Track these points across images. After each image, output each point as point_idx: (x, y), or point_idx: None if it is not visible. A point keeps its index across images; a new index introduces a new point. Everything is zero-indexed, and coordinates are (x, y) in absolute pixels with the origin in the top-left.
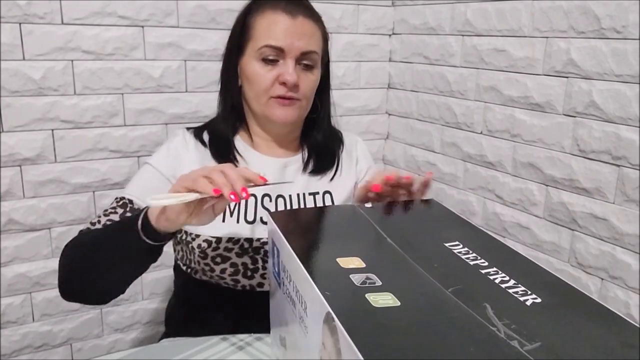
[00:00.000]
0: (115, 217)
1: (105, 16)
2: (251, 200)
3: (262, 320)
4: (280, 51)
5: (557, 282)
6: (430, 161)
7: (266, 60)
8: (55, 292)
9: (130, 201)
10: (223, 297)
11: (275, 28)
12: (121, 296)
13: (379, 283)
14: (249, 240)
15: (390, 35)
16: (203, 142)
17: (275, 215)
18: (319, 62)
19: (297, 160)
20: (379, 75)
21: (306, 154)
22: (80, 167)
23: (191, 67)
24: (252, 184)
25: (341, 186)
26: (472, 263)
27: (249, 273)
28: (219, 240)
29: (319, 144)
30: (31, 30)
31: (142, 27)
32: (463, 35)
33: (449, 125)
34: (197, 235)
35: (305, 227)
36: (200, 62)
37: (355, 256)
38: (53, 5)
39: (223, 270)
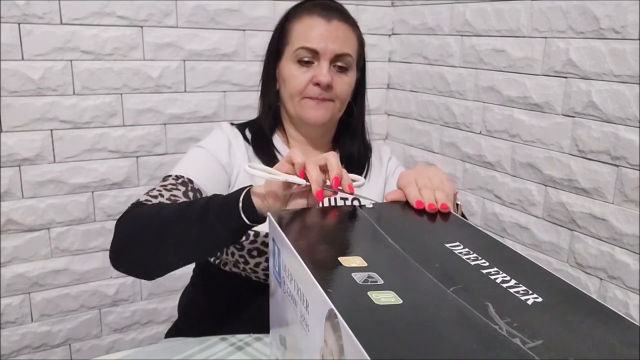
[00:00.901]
0: (178, 194)
1: (104, 16)
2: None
3: None
4: (315, 53)
5: (557, 281)
6: (429, 161)
7: (301, 62)
8: (54, 292)
9: (190, 181)
10: (251, 290)
11: (311, 31)
12: (120, 297)
13: (380, 282)
14: None
15: (389, 35)
16: (246, 139)
17: (276, 214)
18: (353, 65)
19: None
20: (379, 76)
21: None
22: (79, 167)
23: (190, 67)
24: (339, 190)
25: (369, 192)
26: (472, 263)
27: None
28: (257, 234)
29: (351, 152)
30: (30, 31)
31: (141, 27)
32: (462, 36)
33: (448, 125)
34: None
35: (307, 226)
36: (199, 62)
37: (357, 255)
38: (52, 6)
39: (257, 264)
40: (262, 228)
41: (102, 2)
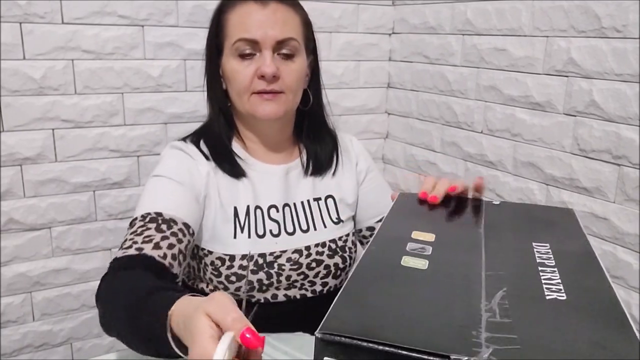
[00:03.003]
0: (151, 232)
1: (105, 16)
2: (259, 213)
3: (274, 329)
4: (254, 43)
5: (604, 293)
6: (430, 160)
7: (242, 55)
8: (55, 291)
9: (159, 213)
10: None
11: (247, 20)
12: None
13: (428, 253)
14: (262, 256)
15: (390, 34)
16: (205, 155)
17: (403, 195)
18: (300, 49)
19: (297, 165)
20: (379, 75)
21: (305, 157)
22: (80, 167)
23: (190, 66)
24: None
25: (342, 187)
26: (538, 261)
27: (264, 287)
28: (232, 258)
29: (315, 143)
30: (31, 30)
31: (142, 26)
32: (463, 35)
33: (449, 124)
34: (210, 252)
35: (421, 209)
36: (200, 61)
37: (433, 233)
38: (53, 5)
39: (238, 289)
40: (237, 251)
41: (103, 1)
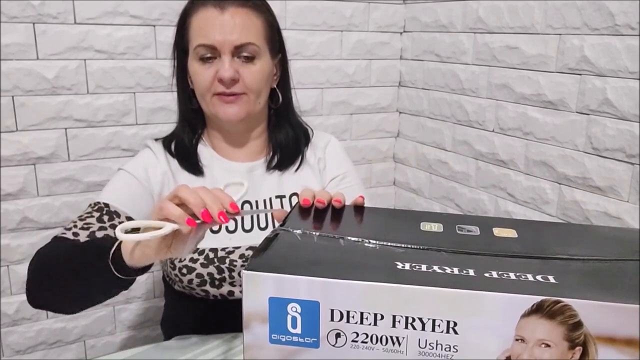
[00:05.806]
0: (92, 221)
1: (117, 16)
2: None
3: (236, 328)
4: (213, 49)
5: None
6: (441, 159)
7: (203, 59)
8: None
9: (107, 204)
10: (198, 306)
11: (206, 25)
12: (134, 294)
13: (464, 232)
14: (214, 250)
15: (401, 33)
16: (171, 153)
17: None
18: (262, 52)
19: (262, 163)
20: (390, 73)
21: (271, 153)
22: (93, 166)
23: None
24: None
25: (306, 184)
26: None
27: (217, 282)
28: None
29: (283, 140)
30: (45, 30)
31: (154, 26)
32: (475, 33)
33: (461, 123)
34: None
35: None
36: None
37: (514, 230)
38: (66, 5)
39: (190, 281)
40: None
41: (115, 1)
